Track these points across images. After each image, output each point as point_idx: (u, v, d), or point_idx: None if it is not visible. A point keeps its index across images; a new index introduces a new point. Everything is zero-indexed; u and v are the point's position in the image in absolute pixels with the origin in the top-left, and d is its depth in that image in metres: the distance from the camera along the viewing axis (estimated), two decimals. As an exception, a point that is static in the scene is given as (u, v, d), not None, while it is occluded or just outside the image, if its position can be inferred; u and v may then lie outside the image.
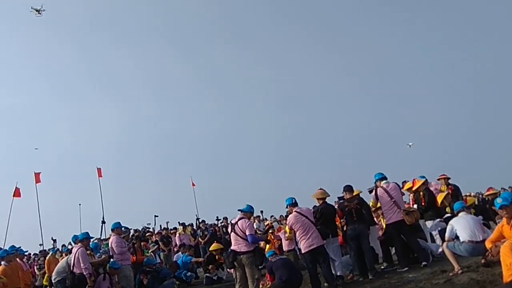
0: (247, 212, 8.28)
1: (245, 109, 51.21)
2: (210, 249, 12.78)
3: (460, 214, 7.84)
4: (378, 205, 9.59)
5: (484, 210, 11.29)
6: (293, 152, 45.52)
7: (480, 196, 15.60)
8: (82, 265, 9.50)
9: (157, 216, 18.54)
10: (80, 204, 22.59)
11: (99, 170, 19.72)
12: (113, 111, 50.05)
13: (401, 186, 10.04)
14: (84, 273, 9.48)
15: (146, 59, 51.49)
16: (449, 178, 11.78)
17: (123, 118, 49.81)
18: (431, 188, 10.75)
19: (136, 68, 51.19)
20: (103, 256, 10.60)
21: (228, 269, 9.91)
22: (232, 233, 8.13)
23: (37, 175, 19.82)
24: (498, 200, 6.47)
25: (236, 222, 8.06)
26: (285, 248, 12.32)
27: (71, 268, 9.67)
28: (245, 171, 43.21)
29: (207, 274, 12.20)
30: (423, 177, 10.59)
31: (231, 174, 41.92)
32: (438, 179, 11.76)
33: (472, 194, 17.30)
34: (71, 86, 49.93)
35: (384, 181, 9.26)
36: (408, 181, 10.73)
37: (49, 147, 47.13)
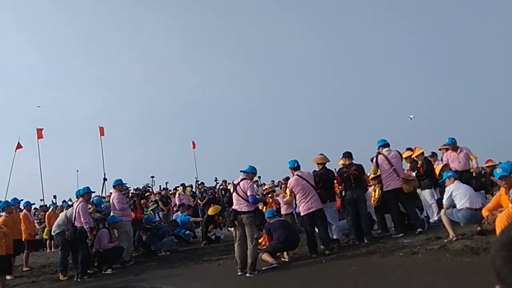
0: (249, 173, 8.33)
1: (246, 75, 50.78)
2: (209, 213, 12.91)
3: (455, 182, 7.95)
4: (379, 172, 9.68)
5: (482, 183, 11.39)
6: (295, 118, 45.43)
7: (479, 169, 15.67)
8: (82, 219, 9.66)
9: (154, 177, 18.67)
10: (77, 171, 22.80)
11: (101, 128, 19.68)
12: (121, 71, 49.40)
13: (403, 153, 10.08)
14: (85, 227, 9.67)
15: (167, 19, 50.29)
16: (448, 149, 11.88)
17: (129, 79, 49.33)
18: (463, 153, 10.73)
19: (153, 30, 50.14)
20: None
21: (228, 228, 10.09)
22: (234, 193, 8.21)
23: (39, 131, 19.85)
24: (498, 171, 6.58)
25: (238, 183, 8.13)
26: (283, 212, 12.49)
27: (73, 221, 9.86)
28: (247, 137, 43.27)
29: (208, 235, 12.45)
30: (452, 139, 10.56)
31: (233, 140, 41.91)
32: (440, 149, 11.85)
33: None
34: (76, 45, 49.30)
35: (386, 149, 9.34)
36: (411, 149, 10.83)
37: (52, 105, 47.08)
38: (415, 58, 48.56)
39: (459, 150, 10.69)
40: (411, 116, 24.06)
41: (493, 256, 1.18)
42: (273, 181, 19.55)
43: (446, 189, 7.92)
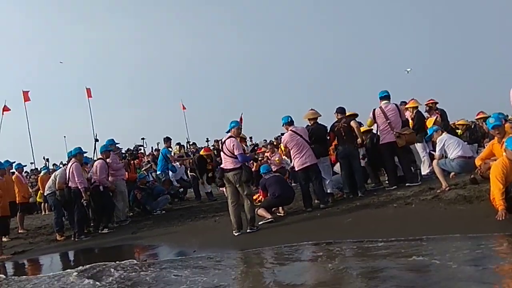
0: (231, 129, 8.17)
1: (236, 33, 50.06)
2: (201, 153, 13.41)
3: (444, 133, 8.04)
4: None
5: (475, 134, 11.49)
6: (291, 75, 45.21)
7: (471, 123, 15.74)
8: (76, 179, 9.65)
9: (144, 139, 18.53)
10: (65, 137, 22.67)
11: (88, 90, 19.40)
12: (109, 31, 48.36)
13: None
14: (79, 187, 9.66)
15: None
16: (437, 103, 11.93)
17: (112, 39, 48.40)
18: None
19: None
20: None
21: (219, 188, 10.17)
22: (221, 152, 8.20)
23: (25, 93, 19.54)
24: (491, 120, 6.61)
25: (224, 141, 8.09)
26: (274, 168, 12.61)
27: (66, 182, 9.84)
28: (239, 97, 43.09)
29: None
30: None
31: (224, 100, 41.64)
32: (426, 104, 11.87)
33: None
34: (63, 2, 47.93)
35: (385, 101, 9.26)
36: (405, 102, 10.79)
37: (37, 67, 46.32)
38: (413, 12, 48.04)
39: None
40: (408, 70, 23.83)
41: None
42: (265, 140, 19.53)
43: (438, 139, 7.96)
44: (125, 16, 50.10)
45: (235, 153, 7.79)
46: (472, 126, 12.31)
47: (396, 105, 9.38)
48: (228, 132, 8.20)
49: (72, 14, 48.47)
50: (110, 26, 48.38)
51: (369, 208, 7.77)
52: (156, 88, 44.62)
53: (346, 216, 7.56)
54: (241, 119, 12.18)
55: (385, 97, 9.35)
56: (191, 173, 13.38)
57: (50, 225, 11.70)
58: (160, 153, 13.89)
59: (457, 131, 11.43)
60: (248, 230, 7.74)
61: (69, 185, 9.79)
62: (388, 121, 9.07)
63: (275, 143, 15.24)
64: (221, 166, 8.16)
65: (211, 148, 18.76)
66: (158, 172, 13.38)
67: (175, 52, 48.83)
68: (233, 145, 7.85)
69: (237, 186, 7.81)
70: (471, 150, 7.92)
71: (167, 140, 14.32)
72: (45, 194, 11.22)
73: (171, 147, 14.53)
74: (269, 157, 12.82)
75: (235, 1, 50.81)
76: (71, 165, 9.84)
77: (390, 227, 6.39)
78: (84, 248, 9.20)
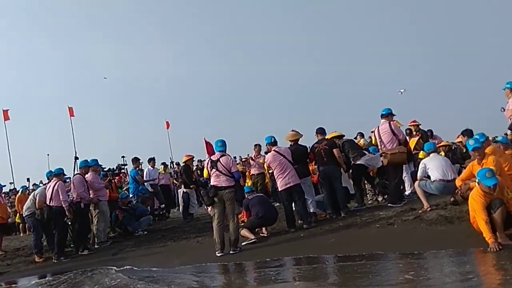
0: (224, 150, 8.21)
1: (220, 51, 50.40)
2: (184, 161, 13.37)
3: (431, 155, 8.15)
4: None
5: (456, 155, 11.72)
6: (274, 95, 45.54)
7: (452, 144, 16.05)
8: (61, 197, 9.53)
9: (124, 157, 18.31)
10: (48, 155, 22.47)
11: (70, 109, 19.28)
12: (88, 50, 48.27)
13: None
14: (64, 206, 9.51)
15: None
16: (419, 124, 12.16)
17: (94, 58, 48.29)
18: None
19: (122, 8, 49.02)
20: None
21: (206, 207, 10.01)
22: (213, 169, 7.95)
23: (5, 112, 19.28)
24: (470, 142, 6.67)
25: (218, 159, 7.95)
26: (254, 172, 12.67)
27: (48, 201, 9.67)
28: (222, 116, 43.13)
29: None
30: None
31: (208, 119, 41.54)
32: (410, 125, 12.09)
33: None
34: (38, 24, 47.80)
35: (383, 120, 9.24)
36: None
37: (16, 85, 45.87)
38: (405, 32, 48.65)
39: None
40: (402, 90, 24.01)
41: None
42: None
43: (421, 162, 8.12)
44: (106, 35, 50.02)
45: (232, 170, 7.80)
46: (453, 148, 12.56)
47: (389, 123, 9.21)
48: (223, 151, 8.12)
49: (53, 33, 48.28)
50: (91, 45, 48.26)
51: (352, 229, 7.81)
52: (139, 107, 44.47)
53: (329, 237, 7.60)
54: (205, 142, 12.16)
55: (383, 115, 9.26)
56: (185, 190, 13.06)
57: (28, 246, 11.44)
58: (129, 176, 13.58)
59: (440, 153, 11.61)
60: (231, 252, 7.68)
61: (51, 204, 9.62)
62: (379, 140, 9.15)
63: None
64: (213, 184, 7.89)
65: (194, 168, 18.75)
66: (130, 196, 12.87)
67: (157, 71, 48.80)
68: (231, 162, 7.92)
69: (227, 204, 7.76)
70: (453, 171, 8.03)
71: (136, 161, 13.87)
72: (23, 215, 10.99)
73: (155, 167, 14.38)
74: (254, 158, 12.74)
75: (216, 20, 51.12)
76: (55, 183, 9.67)
77: (372, 247, 6.41)
78: (64, 270, 8.99)
